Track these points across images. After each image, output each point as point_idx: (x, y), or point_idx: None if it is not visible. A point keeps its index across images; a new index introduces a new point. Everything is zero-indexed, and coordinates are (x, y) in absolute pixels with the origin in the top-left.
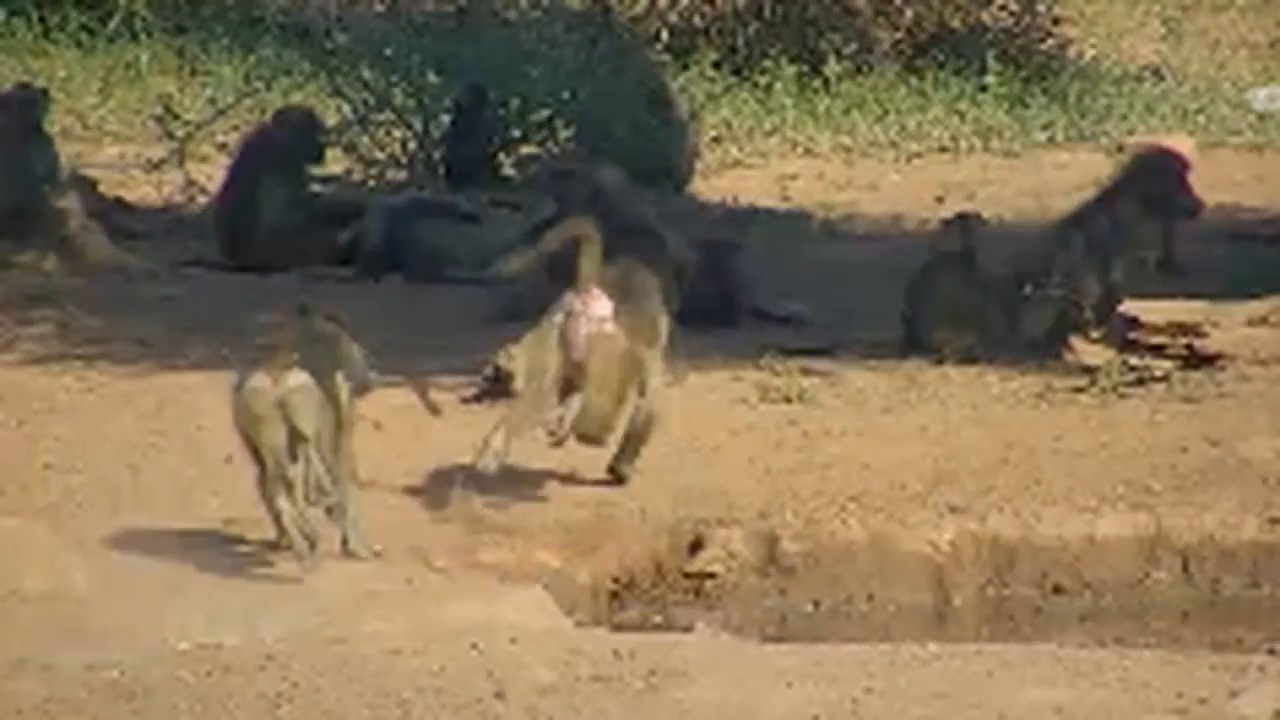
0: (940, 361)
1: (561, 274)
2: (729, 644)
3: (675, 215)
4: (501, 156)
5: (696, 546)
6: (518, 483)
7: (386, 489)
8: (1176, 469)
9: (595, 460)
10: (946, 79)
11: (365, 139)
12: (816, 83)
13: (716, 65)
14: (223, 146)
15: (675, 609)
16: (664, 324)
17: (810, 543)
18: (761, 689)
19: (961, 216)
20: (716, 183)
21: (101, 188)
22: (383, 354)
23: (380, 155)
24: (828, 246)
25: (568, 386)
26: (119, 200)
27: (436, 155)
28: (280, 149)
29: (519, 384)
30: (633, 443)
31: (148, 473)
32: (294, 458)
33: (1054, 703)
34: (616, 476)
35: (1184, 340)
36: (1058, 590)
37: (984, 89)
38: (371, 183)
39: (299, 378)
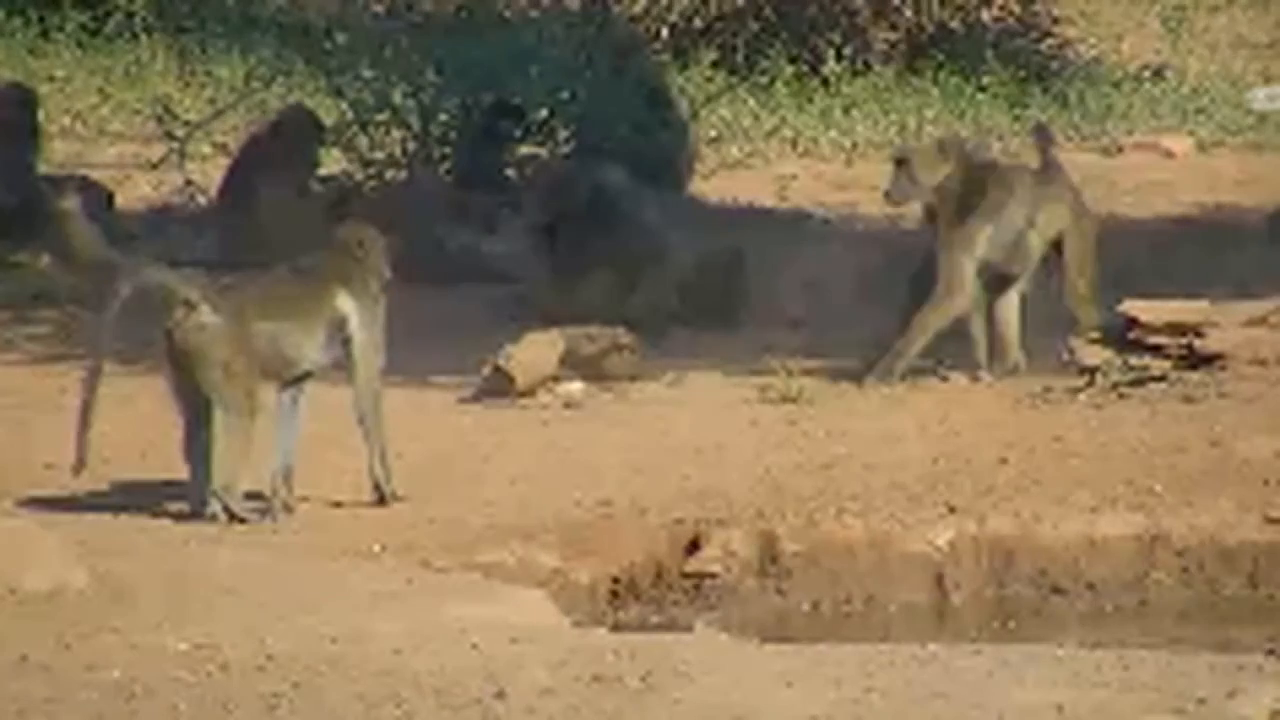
0: (940, 361)
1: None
2: (729, 644)
3: (676, 215)
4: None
5: (696, 546)
6: (517, 482)
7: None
8: (1176, 469)
9: (594, 460)
10: (945, 79)
11: (364, 139)
12: (815, 82)
13: (716, 65)
14: (222, 146)
15: (675, 609)
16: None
17: (810, 543)
18: (761, 689)
19: None
20: (716, 183)
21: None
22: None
23: (379, 155)
24: (827, 246)
25: None
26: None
27: (437, 155)
28: (279, 148)
29: None
30: None
31: (148, 472)
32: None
33: (1054, 703)
34: None
35: (1184, 340)
36: (1058, 590)
37: (983, 89)
38: (371, 183)
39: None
